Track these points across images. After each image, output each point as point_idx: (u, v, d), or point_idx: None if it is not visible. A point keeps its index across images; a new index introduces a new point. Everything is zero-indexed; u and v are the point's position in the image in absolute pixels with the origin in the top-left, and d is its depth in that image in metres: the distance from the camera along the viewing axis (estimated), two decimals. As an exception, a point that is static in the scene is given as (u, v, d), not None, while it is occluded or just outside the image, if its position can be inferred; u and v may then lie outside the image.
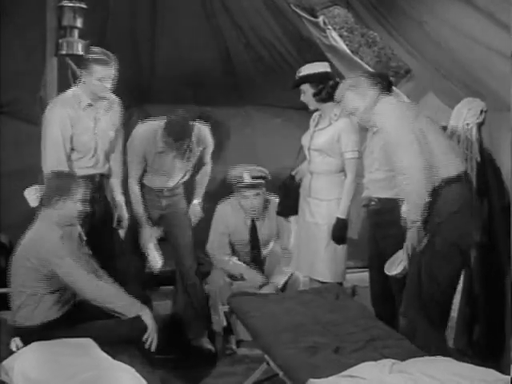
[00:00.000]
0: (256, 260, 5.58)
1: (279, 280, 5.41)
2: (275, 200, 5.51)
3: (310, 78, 4.97)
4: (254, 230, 5.53)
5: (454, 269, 4.10)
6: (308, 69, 5.01)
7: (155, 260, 5.16)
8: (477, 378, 3.23)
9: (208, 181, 5.56)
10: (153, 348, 4.03)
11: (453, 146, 4.26)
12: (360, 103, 4.33)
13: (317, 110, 5.09)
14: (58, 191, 4.06)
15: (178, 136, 5.03)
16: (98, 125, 4.85)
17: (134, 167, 5.26)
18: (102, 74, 4.68)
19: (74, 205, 4.09)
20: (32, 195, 4.27)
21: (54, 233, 4.01)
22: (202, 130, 5.35)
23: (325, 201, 4.98)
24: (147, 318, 4.07)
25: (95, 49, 4.76)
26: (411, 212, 4.06)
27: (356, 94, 4.34)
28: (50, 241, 3.98)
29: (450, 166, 4.05)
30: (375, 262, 4.56)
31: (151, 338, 4.05)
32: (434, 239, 4.02)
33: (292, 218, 5.45)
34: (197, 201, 5.47)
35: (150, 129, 5.21)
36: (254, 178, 5.38)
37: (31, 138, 5.50)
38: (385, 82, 4.37)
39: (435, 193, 4.01)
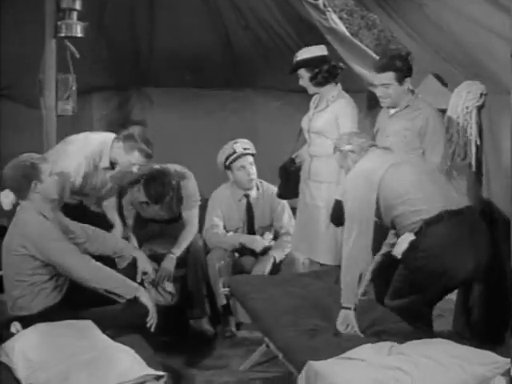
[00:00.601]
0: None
1: (279, 255, 5.41)
2: (269, 184, 5.54)
3: (306, 63, 4.96)
4: (250, 212, 5.53)
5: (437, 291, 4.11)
6: (304, 53, 5.00)
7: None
8: (476, 361, 3.24)
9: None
10: (153, 328, 4.03)
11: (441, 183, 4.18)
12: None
13: (317, 93, 5.09)
14: (27, 178, 3.95)
15: (156, 199, 5.17)
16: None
17: (127, 214, 5.41)
18: (138, 161, 4.76)
19: (49, 178, 4.02)
20: (7, 198, 4.25)
21: (41, 218, 3.97)
22: (185, 187, 5.38)
23: (324, 183, 4.98)
24: (145, 298, 4.05)
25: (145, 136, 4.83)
26: None
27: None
28: (41, 226, 3.95)
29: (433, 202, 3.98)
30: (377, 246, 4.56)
31: (152, 321, 4.04)
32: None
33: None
34: (173, 255, 5.17)
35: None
36: (244, 149, 5.43)
37: (30, 121, 5.52)
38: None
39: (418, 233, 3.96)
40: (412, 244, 3.94)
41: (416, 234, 3.93)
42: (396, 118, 4.59)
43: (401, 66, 4.47)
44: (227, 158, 5.44)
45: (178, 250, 5.18)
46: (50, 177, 4.03)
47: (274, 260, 5.37)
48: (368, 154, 4.18)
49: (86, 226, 4.43)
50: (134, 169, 4.81)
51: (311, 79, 4.97)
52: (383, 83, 4.51)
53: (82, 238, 4.30)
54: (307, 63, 4.95)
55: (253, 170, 5.47)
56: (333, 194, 4.89)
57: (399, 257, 4.03)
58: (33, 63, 5.10)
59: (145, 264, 4.46)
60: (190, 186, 5.48)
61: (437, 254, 3.89)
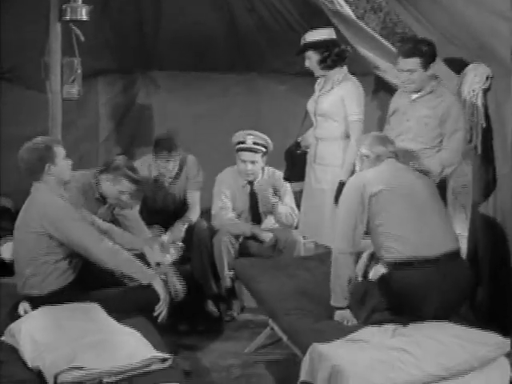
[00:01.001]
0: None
1: (284, 209, 5.47)
2: (275, 170, 5.54)
3: (314, 45, 4.94)
4: (253, 198, 5.54)
5: None
6: (313, 35, 4.97)
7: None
8: (477, 341, 3.26)
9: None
10: (160, 319, 4.04)
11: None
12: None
13: (305, 76, 5.08)
14: (41, 161, 3.99)
15: (168, 149, 5.39)
16: None
17: None
18: (127, 189, 4.70)
19: (63, 162, 4.05)
20: (8, 250, 4.27)
21: (58, 198, 4.01)
22: (189, 168, 5.61)
23: (330, 166, 4.97)
24: (159, 287, 4.07)
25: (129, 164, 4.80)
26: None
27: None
28: (60, 206, 3.98)
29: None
30: None
31: (161, 309, 4.05)
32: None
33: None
34: (182, 224, 5.45)
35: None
36: (255, 143, 5.39)
37: (35, 104, 5.53)
38: None
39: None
40: (383, 276, 3.89)
41: (386, 269, 3.88)
42: (419, 104, 4.55)
43: (427, 52, 4.43)
44: (236, 144, 5.45)
45: (185, 222, 5.40)
46: (64, 160, 4.06)
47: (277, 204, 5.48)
48: (380, 166, 4.08)
49: (96, 217, 4.48)
50: (124, 197, 4.74)
51: (320, 62, 4.96)
52: (408, 69, 4.47)
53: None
54: (316, 45, 4.94)
55: (252, 167, 5.43)
56: (338, 177, 4.89)
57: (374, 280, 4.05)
58: (38, 46, 5.09)
59: (156, 258, 4.45)
60: (194, 167, 5.56)
61: (403, 295, 3.76)
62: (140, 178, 4.75)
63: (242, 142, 5.40)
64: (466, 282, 3.87)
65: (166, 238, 5.32)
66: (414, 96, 4.57)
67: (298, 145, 5.28)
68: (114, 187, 4.64)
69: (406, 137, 4.55)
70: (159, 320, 4.04)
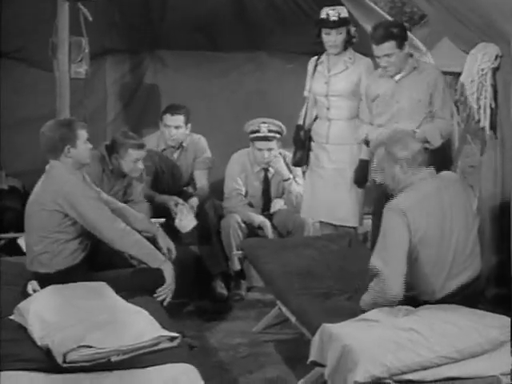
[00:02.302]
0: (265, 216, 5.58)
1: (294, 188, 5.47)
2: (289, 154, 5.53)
3: (346, 22, 4.96)
4: (266, 184, 5.54)
5: None
6: (343, 11, 4.99)
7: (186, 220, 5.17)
8: (490, 324, 3.26)
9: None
10: (165, 303, 4.03)
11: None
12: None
13: (319, 55, 5.11)
14: (62, 141, 3.97)
15: (176, 107, 5.60)
16: None
17: None
18: (138, 156, 4.92)
19: (84, 145, 4.05)
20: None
21: (75, 177, 4.01)
22: (201, 141, 5.67)
23: (347, 145, 4.98)
24: (168, 273, 4.06)
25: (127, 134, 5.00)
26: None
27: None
28: (77, 184, 3.99)
29: None
30: (381, 207, 4.54)
31: (166, 294, 4.05)
32: None
33: None
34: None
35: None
36: (270, 131, 5.37)
37: (43, 84, 5.52)
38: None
39: None
40: None
41: None
42: (405, 83, 4.57)
43: (398, 33, 4.47)
44: (251, 133, 5.43)
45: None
46: (85, 143, 4.06)
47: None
48: (420, 185, 3.67)
49: (115, 200, 4.50)
50: (140, 165, 4.93)
51: (347, 40, 4.98)
52: (385, 53, 4.49)
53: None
54: (347, 22, 4.96)
55: (269, 154, 5.44)
56: (356, 155, 4.90)
57: None
58: (45, 26, 5.08)
59: (168, 243, 4.43)
60: (202, 147, 5.57)
61: None
62: (142, 143, 4.97)
63: (257, 131, 5.38)
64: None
65: (195, 200, 5.40)
66: (398, 77, 4.57)
67: (301, 128, 5.26)
68: (126, 161, 4.85)
69: (400, 118, 4.55)
70: (164, 304, 4.03)
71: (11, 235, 5.31)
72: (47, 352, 3.24)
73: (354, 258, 4.46)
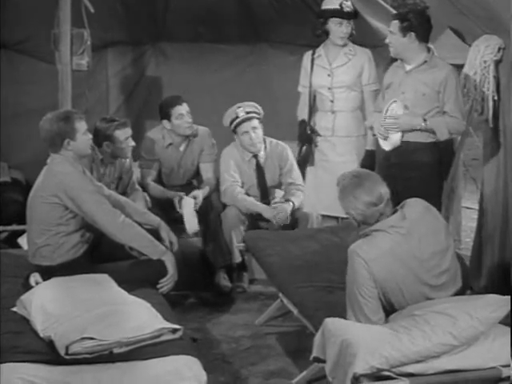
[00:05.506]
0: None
1: (296, 200, 5.36)
2: (278, 142, 5.50)
3: (357, 14, 4.99)
4: (260, 171, 5.51)
5: None
6: (350, 4, 5.01)
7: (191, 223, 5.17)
8: (480, 304, 3.25)
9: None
10: (164, 292, 4.05)
11: None
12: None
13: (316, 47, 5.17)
14: (60, 136, 3.97)
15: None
16: None
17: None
18: (125, 135, 4.96)
19: (83, 137, 4.05)
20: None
21: (75, 170, 4.02)
22: (207, 133, 5.63)
23: (353, 137, 4.98)
24: (169, 263, 4.07)
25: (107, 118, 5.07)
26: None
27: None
28: (75, 177, 3.99)
29: None
30: None
31: (167, 284, 4.06)
32: None
33: None
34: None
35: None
36: (247, 112, 5.36)
37: (45, 76, 5.52)
38: None
39: None
40: None
41: None
42: (414, 75, 4.56)
43: (405, 16, 4.46)
44: (231, 123, 5.41)
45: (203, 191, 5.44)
46: (84, 135, 4.05)
47: (293, 205, 5.32)
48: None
49: (116, 193, 4.51)
50: (131, 143, 4.98)
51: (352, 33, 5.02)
52: (390, 30, 4.53)
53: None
54: (357, 14, 4.99)
55: (256, 134, 5.36)
56: (362, 146, 4.90)
57: None
58: (47, 18, 5.07)
59: (170, 235, 4.41)
60: (208, 139, 5.55)
61: None
62: (124, 120, 5.04)
63: (236, 117, 5.36)
64: None
65: (200, 192, 5.38)
66: (408, 68, 4.57)
67: (304, 122, 5.25)
68: (117, 143, 4.93)
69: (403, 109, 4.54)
70: (164, 292, 4.05)
71: (14, 227, 5.32)
72: (50, 344, 3.26)
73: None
